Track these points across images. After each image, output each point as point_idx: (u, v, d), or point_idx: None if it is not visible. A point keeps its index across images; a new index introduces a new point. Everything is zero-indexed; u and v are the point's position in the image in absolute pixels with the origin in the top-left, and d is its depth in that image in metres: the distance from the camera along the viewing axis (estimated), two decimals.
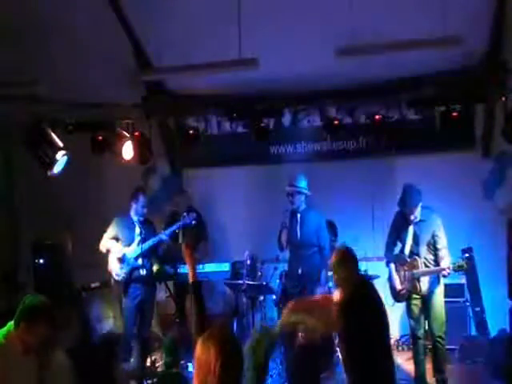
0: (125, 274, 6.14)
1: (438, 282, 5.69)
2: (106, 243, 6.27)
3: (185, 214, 6.50)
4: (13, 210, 8.24)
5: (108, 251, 6.26)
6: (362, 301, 4.06)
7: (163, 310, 7.61)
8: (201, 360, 2.48)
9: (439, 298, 5.73)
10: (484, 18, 5.92)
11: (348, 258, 4.23)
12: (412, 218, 5.68)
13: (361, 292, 4.12)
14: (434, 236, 5.65)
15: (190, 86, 7.11)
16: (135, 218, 6.28)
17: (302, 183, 6.38)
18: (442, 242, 5.66)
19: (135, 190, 6.37)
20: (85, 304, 7.09)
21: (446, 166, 6.91)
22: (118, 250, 6.21)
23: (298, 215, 6.38)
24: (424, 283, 5.64)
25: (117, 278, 6.18)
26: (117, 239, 6.29)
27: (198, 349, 2.51)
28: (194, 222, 6.46)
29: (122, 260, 6.16)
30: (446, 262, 5.55)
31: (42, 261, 7.10)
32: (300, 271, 6.29)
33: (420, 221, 5.69)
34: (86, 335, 6.70)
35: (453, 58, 6.09)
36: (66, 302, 6.86)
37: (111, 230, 6.32)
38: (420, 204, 5.65)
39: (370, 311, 4.06)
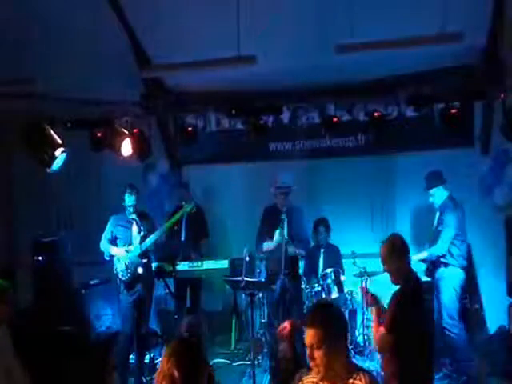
0: (130, 274, 6.11)
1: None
2: (107, 246, 6.24)
3: (183, 202, 6.53)
4: (12, 207, 8.24)
5: (110, 253, 6.25)
6: (418, 293, 3.93)
7: (161, 306, 7.61)
8: (164, 372, 2.51)
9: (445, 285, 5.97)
10: (483, 15, 5.92)
11: (399, 248, 4.01)
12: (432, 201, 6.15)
13: (416, 285, 3.98)
14: (440, 225, 5.99)
15: (189, 83, 7.11)
16: (130, 216, 6.24)
17: (291, 181, 6.28)
18: (442, 235, 5.91)
19: (122, 191, 6.23)
20: (84, 301, 7.09)
21: (444, 163, 6.90)
22: (119, 251, 6.18)
23: (286, 213, 6.02)
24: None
25: (123, 278, 6.15)
26: (115, 239, 6.27)
27: (163, 361, 2.55)
28: (194, 209, 6.48)
29: (126, 262, 6.12)
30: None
31: (41, 258, 7.09)
32: (299, 270, 6.27)
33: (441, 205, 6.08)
34: (84, 332, 6.70)
35: (452, 55, 6.09)
36: (65, 300, 6.86)
37: (108, 230, 6.29)
38: (433, 189, 6.09)
39: (423, 305, 4.00)
